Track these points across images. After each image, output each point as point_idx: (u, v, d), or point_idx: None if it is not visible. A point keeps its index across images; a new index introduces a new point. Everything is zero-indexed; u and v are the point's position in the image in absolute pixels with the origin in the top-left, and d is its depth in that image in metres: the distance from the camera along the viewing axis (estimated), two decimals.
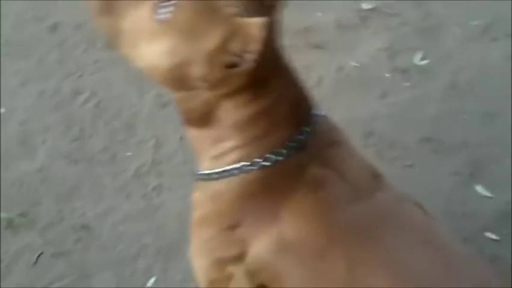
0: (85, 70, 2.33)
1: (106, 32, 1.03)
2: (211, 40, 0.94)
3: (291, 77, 1.05)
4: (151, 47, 0.97)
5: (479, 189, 1.88)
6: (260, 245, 1.04)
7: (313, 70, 2.30)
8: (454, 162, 1.95)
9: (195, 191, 1.15)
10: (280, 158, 1.04)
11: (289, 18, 2.55)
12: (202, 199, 1.12)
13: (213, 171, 1.08)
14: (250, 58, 0.93)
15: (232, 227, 1.06)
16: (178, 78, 1.00)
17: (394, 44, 2.43)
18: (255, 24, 0.92)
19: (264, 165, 1.04)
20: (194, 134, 1.10)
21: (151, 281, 1.67)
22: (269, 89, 1.01)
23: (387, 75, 2.29)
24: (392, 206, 1.07)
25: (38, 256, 1.71)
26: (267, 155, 1.04)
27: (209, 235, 1.10)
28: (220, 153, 1.07)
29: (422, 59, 2.36)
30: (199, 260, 1.14)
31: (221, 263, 1.09)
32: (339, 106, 2.14)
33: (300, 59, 2.37)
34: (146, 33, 0.97)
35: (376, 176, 1.09)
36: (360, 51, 2.39)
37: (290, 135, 1.04)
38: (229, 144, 1.05)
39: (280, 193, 1.04)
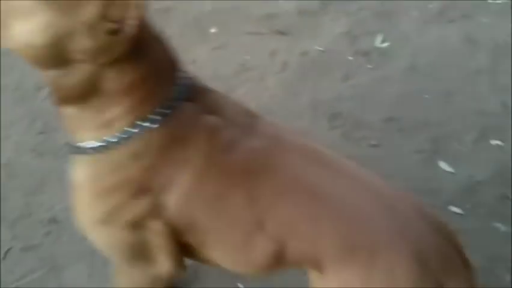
0: None
1: None
2: (90, 9, 0.95)
3: (162, 40, 1.08)
4: (25, 25, 0.95)
5: (443, 165, 1.93)
6: (172, 198, 1.10)
7: (278, 55, 2.32)
8: (417, 140, 2.00)
9: (78, 166, 1.15)
10: (170, 112, 1.08)
11: (252, 5, 2.59)
12: (98, 173, 1.12)
13: (107, 140, 1.08)
14: (132, 23, 0.96)
15: (144, 188, 1.10)
16: (56, 55, 0.98)
17: (354, 28, 2.46)
18: None
19: (159, 120, 1.07)
20: (72, 112, 1.08)
21: None
22: (147, 51, 1.04)
23: (350, 58, 2.33)
24: (280, 137, 1.15)
25: (7, 251, 1.69)
26: (159, 110, 1.08)
27: (119, 202, 1.12)
28: (108, 121, 1.07)
29: (383, 41, 2.40)
30: (108, 229, 1.15)
31: (138, 224, 1.13)
32: (304, 89, 2.17)
33: (264, 45, 2.42)
34: (18, 11, 0.95)
35: (254, 115, 1.17)
36: (323, 36, 2.42)
37: (174, 89, 1.09)
38: (117, 111, 1.06)
39: (181, 145, 1.09)
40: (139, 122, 1.07)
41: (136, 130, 1.07)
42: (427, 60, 2.32)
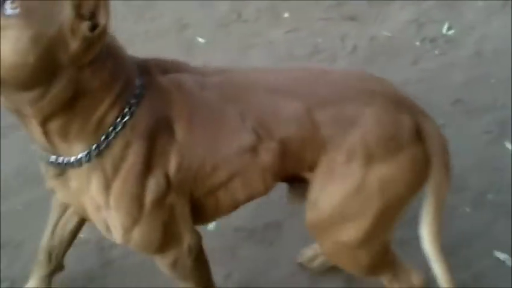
0: None
1: None
2: (66, 12, 0.97)
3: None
4: (10, 45, 0.94)
5: (509, 145, 2.02)
6: (173, 165, 1.16)
7: (348, 39, 2.43)
8: (484, 122, 2.09)
9: (78, 180, 1.14)
10: (140, 91, 1.13)
11: None
12: (104, 178, 1.13)
13: (104, 140, 1.10)
14: (104, 12, 1.00)
15: (149, 167, 1.14)
16: (46, 67, 0.98)
17: (421, 16, 2.56)
18: None
19: (136, 103, 1.11)
20: (60, 124, 1.07)
21: None
22: (111, 46, 1.09)
23: (417, 44, 2.43)
24: (233, 70, 1.28)
25: None
26: (135, 93, 1.12)
27: (135, 190, 1.14)
28: (99, 120, 1.09)
29: (448, 29, 2.50)
30: (140, 225, 1.17)
31: (160, 203, 1.17)
32: (372, 72, 2.26)
33: (335, 30, 2.54)
34: None
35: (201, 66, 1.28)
36: (391, 23, 2.53)
37: (133, 71, 1.14)
38: (104, 107, 1.08)
39: (161, 113, 1.15)
40: (123, 112, 1.10)
41: (124, 119, 1.10)
42: (492, 47, 2.40)
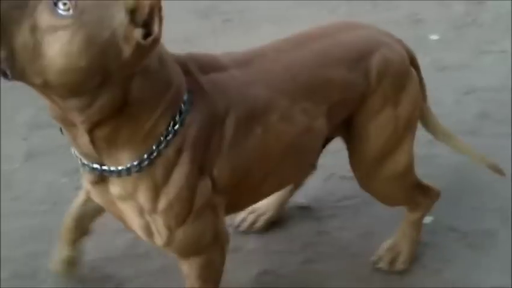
0: None
1: None
2: (119, 17, 0.94)
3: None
4: (61, 48, 0.92)
5: None
6: (221, 167, 1.18)
7: None
8: None
9: (123, 187, 1.13)
10: (187, 94, 1.13)
11: None
12: (154, 185, 1.13)
13: (156, 149, 1.09)
14: (158, 20, 0.97)
15: (199, 172, 1.16)
16: (97, 72, 0.96)
17: None
18: None
19: (187, 110, 1.11)
20: (108, 132, 1.06)
21: None
22: (161, 53, 1.08)
23: None
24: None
25: (329, 176, 1.86)
26: (185, 99, 1.12)
27: (186, 195, 1.15)
28: (149, 129, 1.08)
29: None
30: (188, 227, 1.19)
31: (207, 203, 1.19)
32: None
33: None
34: (50, 37, 0.92)
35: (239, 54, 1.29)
36: None
37: (180, 75, 1.13)
38: (155, 116, 1.08)
39: (211, 116, 1.16)
40: (175, 120, 1.10)
41: (175, 127, 1.10)
42: None
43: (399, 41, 1.44)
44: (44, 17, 0.91)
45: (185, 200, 1.16)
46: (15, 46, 0.92)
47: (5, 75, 0.95)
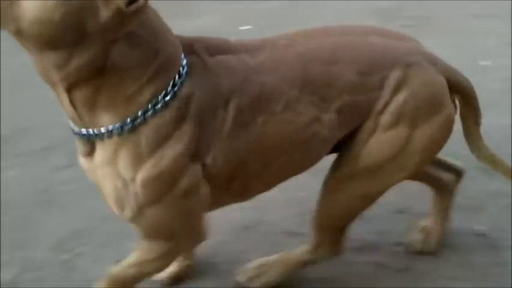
0: None
1: None
2: None
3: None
4: (37, 0, 0.93)
5: None
6: (216, 153, 1.14)
7: None
8: None
9: (104, 150, 1.12)
10: (186, 67, 1.11)
11: None
12: (138, 154, 1.10)
13: (141, 115, 1.08)
14: None
15: (190, 152, 1.12)
16: (71, 29, 0.96)
17: None
18: None
19: (180, 83, 1.10)
20: (87, 94, 1.06)
21: None
22: (148, 19, 1.06)
23: None
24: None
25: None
26: (180, 70, 1.10)
27: (171, 172, 1.12)
28: (132, 95, 1.07)
29: None
30: (160, 207, 1.14)
31: (192, 190, 1.15)
32: None
33: None
34: None
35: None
36: None
37: (177, 51, 1.12)
38: (139, 82, 1.06)
39: (210, 96, 1.13)
40: (166, 90, 1.09)
41: (166, 98, 1.08)
42: None
43: (446, 69, 1.32)
44: None
45: (168, 176, 1.12)
46: None
47: None
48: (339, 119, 1.25)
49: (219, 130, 1.14)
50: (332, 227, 1.44)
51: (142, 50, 1.06)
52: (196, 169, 1.14)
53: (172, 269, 1.56)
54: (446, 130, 1.32)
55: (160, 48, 1.08)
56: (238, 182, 1.23)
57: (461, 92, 1.36)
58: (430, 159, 1.39)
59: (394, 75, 1.25)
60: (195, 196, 1.17)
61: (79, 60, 1.02)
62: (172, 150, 1.11)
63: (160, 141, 1.11)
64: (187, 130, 1.11)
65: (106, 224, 1.73)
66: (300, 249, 1.51)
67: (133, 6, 0.98)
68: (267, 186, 1.33)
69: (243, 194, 1.30)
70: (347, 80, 1.23)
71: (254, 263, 1.56)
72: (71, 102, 1.08)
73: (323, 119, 1.23)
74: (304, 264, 1.52)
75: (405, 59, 1.27)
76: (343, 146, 1.32)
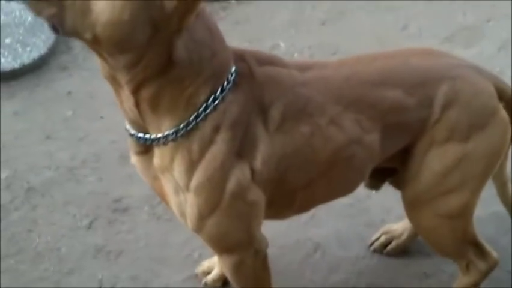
0: None
1: (47, 16, 1.01)
2: None
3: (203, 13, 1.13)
4: (107, 2, 0.98)
5: None
6: (261, 158, 1.17)
7: None
8: None
9: (162, 158, 1.17)
10: (234, 74, 1.15)
11: None
12: (187, 156, 1.14)
13: (193, 119, 1.12)
14: None
15: (236, 156, 1.15)
16: (141, 25, 1.01)
17: None
18: None
19: (229, 88, 1.14)
20: (152, 93, 1.10)
21: None
22: (205, 19, 1.12)
23: None
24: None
25: None
26: (229, 78, 1.14)
27: (219, 177, 1.16)
28: (190, 96, 1.12)
29: None
30: (216, 215, 1.18)
31: (240, 194, 1.18)
32: None
33: None
34: None
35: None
36: None
37: (229, 56, 1.16)
38: (197, 82, 1.11)
39: (257, 103, 1.17)
40: (215, 95, 1.13)
41: (215, 102, 1.12)
42: None
43: (491, 77, 1.36)
44: None
45: (216, 183, 1.16)
46: (65, 3, 1.00)
47: (56, 31, 1.03)
48: (383, 139, 1.29)
49: (262, 134, 1.18)
50: (454, 250, 1.48)
51: (201, 47, 1.10)
52: (242, 172, 1.18)
53: (217, 271, 1.67)
54: (503, 134, 1.35)
55: (216, 49, 1.13)
56: (282, 193, 1.26)
57: (506, 100, 1.36)
58: (494, 166, 1.39)
59: (442, 92, 1.28)
60: (245, 201, 1.20)
61: (148, 57, 1.06)
62: (217, 154, 1.15)
63: (206, 146, 1.15)
64: (230, 132, 1.15)
65: None
66: (458, 282, 1.56)
67: None
68: (313, 201, 1.37)
69: (287, 207, 1.34)
70: (392, 101, 1.27)
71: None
72: (136, 103, 1.12)
73: (366, 138, 1.27)
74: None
75: (450, 74, 1.30)
76: (404, 173, 1.37)
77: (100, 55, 1.08)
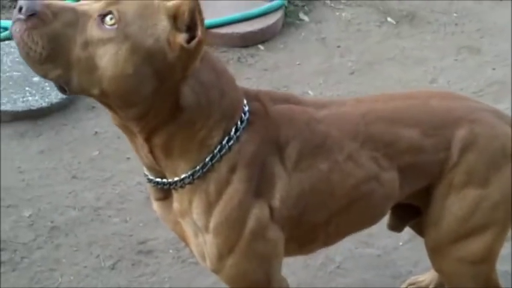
0: None
1: (54, 77, 1.06)
2: (162, 24, 1.06)
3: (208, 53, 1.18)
4: (110, 57, 1.04)
5: None
6: (279, 196, 1.20)
7: None
8: None
9: (180, 201, 1.20)
10: (248, 113, 1.19)
11: None
12: (204, 197, 1.17)
13: (209, 161, 1.15)
14: (200, 25, 1.06)
15: (253, 195, 1.18)
16: (146, 78, 1.06)
17: None
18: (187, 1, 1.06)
19: (243, 128, 1.17)
20: (165, 138, 1.13)
21: None
22: (211, 62, 1.17)
23: None
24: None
25: None
26: (243, 117, 1.18)
27: (237, 217, 1.18)
28: (203, 138, 1.15)
29: None
30: (236, 254, 1.20)
31: (260, 234, 1.20)
32: None
33: None
34: (100, 50, 1.04)
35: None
36: None
37: (241, 94, 1.20)
38: (208, 125, 1.14)
39: (269, 142, 1.20)
40: (230, 135, 1.16)
41: (230, 143, 1.15)
42: None
43: (506, 116, 1.39)
44: (93, 32, 1.05)
45: (235, 223, 1.18)
46: (71, 62, 1.05)
47: (63, 91, 1.09)
48: (402, 178, 1.32)
49: (281, 174, 1.21)
50: None
51: (208, 89, 1.14)
52: (261, 211, 1.20)
53: None
54: None
55: (225, 90, 1.17)
56: (303, 229, 1.29)
57: None
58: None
59: (460, 135, 1.31)
60: (264, 240, 1.22)
61: (156, 107, 1.10)
62: (234, 194, 1.18)
63: (223, 186, 1.18)
64: (246, 172, 1.18)
65: None
66: None
67: (193, 42, 1.08)
68: (331, 238, 1.39)
69: (308, 244, 1.36)
70: (408, 141, 1.30)
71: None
72: (150, 150, 1.16)
73: (383, 175, 1.30)
74: None
75: (468, 117, 1.33)
76: (425, 216, 1.39)
77: (110, 108, 1.13)
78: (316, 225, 1.31)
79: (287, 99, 1.28)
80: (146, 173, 1.25)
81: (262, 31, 3.00)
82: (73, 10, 1.06)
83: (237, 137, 1.17)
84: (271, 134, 1.21)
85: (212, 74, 1.15)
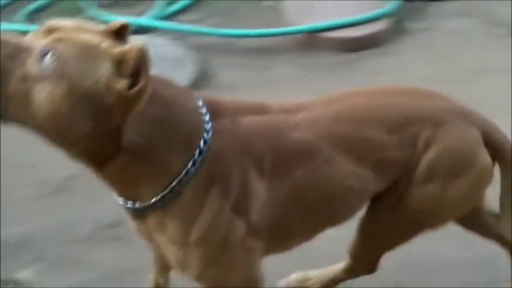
0: None
1: None
2: (105, 68, 1.07)
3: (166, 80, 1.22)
4: (45, 95, 1.04)
5: None
6: (257, 206, 1.23)
7: None
8: None
9: (155, 222, 1.21)
10: (211, 132, 1.20)
11: None
12: (180, 218, 1.20)
13: (176, 185, 1.17)
14: (144, 73, 1.07)
15: (230, 209, 1.22)
16: (82, 119, 1.06)
17: None
18: (135, 47, 1.07)
19: (207, 148, 1.18)
20: (118, 170, 1.15)
21: None
22: (161, 96, 1.16)
23: None
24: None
25: None
26: (204, 136, 1.19)
27: (217, 231, 1.22)
28: (163, 167, 1.17)
29: None
30: (217, 266, 1.26)
31: (240, 242, 1.25)
32: None
33: None
34: (37, 86, 1.05)
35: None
36: None
37: (201, 113, 1.22)
38: (166, 156, 1.16)
39: (242, 155, 1.22)
40: (194, 158, 1.17)
41: (196, 165, 1.17)
42: None
43: (480, 123, 1.42)
44: (32, 68, 1.07)
45: (215, 236, 1.23)
46: (8, 93, 1.07)
47: None
48: (375, 175, 1.38)
49: (257, 186, 1.25)
50: (370, 258, 1.59)
51: (159, 126, 1.15)
52: (240, 224, 1.25)
53: None
54: (481, 182, 1.43)
55: (180, 120, 1.18)
56: (282, 233, 1.35)
57: (492, 145, 1.43)
58: (467, 209, 1.49)
59: (424, 134, 1.36)
60: (244, 250, 1.28)
61: (96, 146, 1.12)
62: (211, 212, 1.22)
63: (200, 203, 1.21)
64: (218, 191, 1.22)
65: None
66: (337, 268, 1.67)
67: (135, 89, 1.09)
68: (308, 238, 1.46)
69: (286, 245, 1.44)
70: (379, 139, 1.36)
71: (296, 275, 1.75)
72: (108, 179, 1.19)
73: (358, 174, 1.36)
74: (339, 281, 1.69)
75: (435, 118, 1.38)
76: (377, 197, 1.45)
77: (50, 142, 1.14)
78: (295, 228, 1.37)
79: (256, 110, 1.30)
80: (117, 199, 1.27)
81: (371, 36, 3.12)
82: (16, 44, 1.09)
83: (203, 158, 1.19)
84: (243, 149, 1.24)
85: (162, 109, 1.16)
